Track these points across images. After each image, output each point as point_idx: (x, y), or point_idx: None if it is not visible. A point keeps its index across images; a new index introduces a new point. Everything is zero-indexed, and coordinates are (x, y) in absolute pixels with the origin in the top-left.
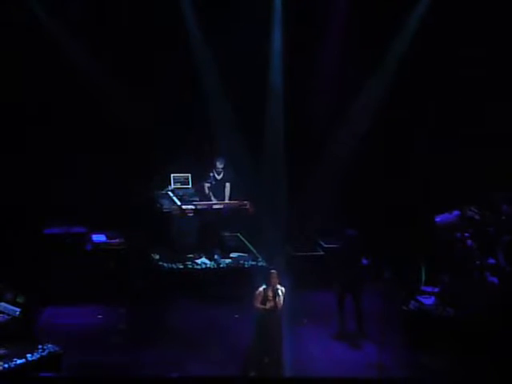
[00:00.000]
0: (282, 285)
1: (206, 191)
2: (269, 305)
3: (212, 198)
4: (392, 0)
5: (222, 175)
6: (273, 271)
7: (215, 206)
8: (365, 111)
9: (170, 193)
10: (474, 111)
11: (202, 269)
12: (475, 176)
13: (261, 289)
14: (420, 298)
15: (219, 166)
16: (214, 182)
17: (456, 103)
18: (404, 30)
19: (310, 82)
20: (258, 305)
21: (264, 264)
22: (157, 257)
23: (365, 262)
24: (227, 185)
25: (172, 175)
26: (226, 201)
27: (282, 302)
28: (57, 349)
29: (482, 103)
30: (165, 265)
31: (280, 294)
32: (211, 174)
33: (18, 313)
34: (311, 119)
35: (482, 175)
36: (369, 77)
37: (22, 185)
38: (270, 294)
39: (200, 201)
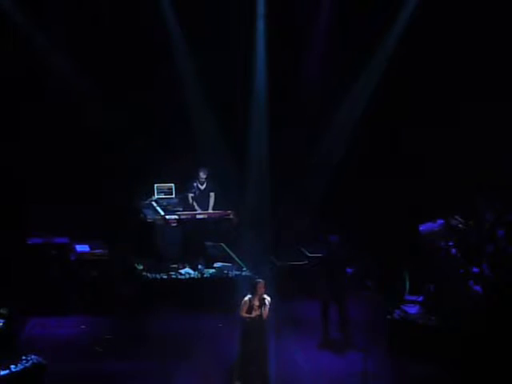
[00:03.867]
0: (267, 294)
1: (190, 201)
2: (254, 314)
3: (196, 208)
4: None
5: (205, 185)
6: (260, 281)
7: (199, 216)
8: (348, 120)
9: (153, 203)
10: (463, 114)
11: (185, 279)
12: (459, 184)
13: (246, 298)
14: (404, 307)
15: (202, 176)
16: (197, 192)
17: (443, 105)
18: (390, 32)
19: (294, 91)
20: (244, 314)
21: (248, 274)
22: (140, 267)
23: (349, 270)
24: (211, 195)
25: (156, 185)
26: (210, 211)
27: (267, 311)
28: (40, 360)
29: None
30: (148, 275)
31: (267, 303)
32: (194, 184)
33: (1, 324)
34: (295, 129)
35: (465, 183)
36: (353, 84)
37: (5, 195)
38: (256, 303)
39: (184, 211)
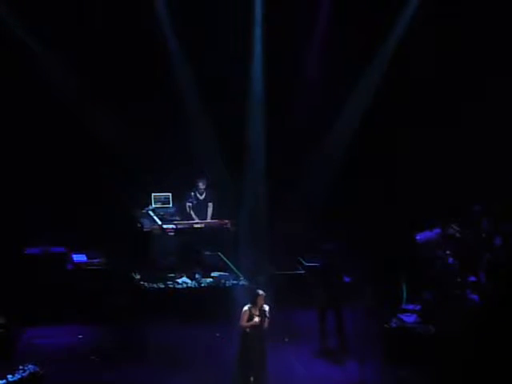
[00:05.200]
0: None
1: (188, 210)
2: (254, 323)
3: (194, 217)
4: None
5: (204, 195)
6: (261, 293)
7: (196, 226)
8: (346, 128)
9: (150, 212)
10: (462, 118)
11: (183, 288)
12: (455, 192)
13: (246, 307)
14: (401, 316)
15: (201, 186)
16: (195, 202)
17: (443, 109)
18: (391, 33)
19: (292, 101)
20: (244, 323)
21: (245, 283)
22: (138, 276)
23: (347, 279)
24: (210, 205)
25: (153, 194)
26: (208, 220)
27: (268, 320)
28: (38, 369)
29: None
30: (146, 284)
31: (267, 314)
32: (193, 194)
33: None
34: (293, 138)
35: (462, 191)
36: (352, 91)
37: (2, 204)
38: (256, 312)
39: (181, 220)
